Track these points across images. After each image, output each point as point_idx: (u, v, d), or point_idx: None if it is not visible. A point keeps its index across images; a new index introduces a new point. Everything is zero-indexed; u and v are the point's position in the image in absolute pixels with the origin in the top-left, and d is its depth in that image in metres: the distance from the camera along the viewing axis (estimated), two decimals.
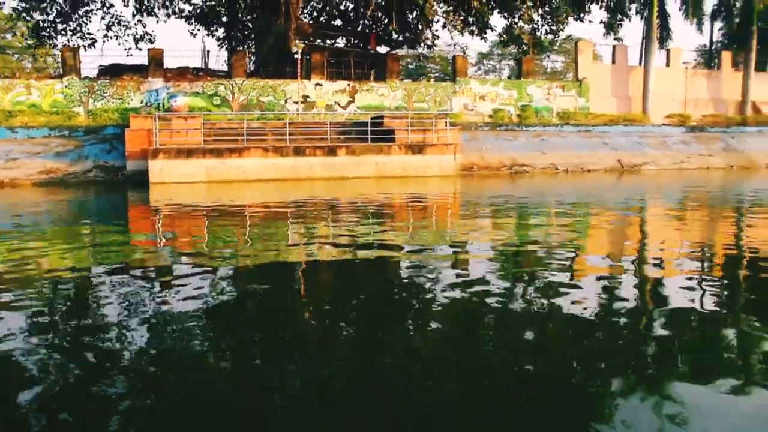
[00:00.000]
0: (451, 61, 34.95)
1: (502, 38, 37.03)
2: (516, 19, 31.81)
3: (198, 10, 33.20)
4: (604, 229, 10.88)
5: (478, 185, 20.19)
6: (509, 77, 38.94)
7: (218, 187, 19.32)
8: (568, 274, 6.80)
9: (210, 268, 7.09)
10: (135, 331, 4.68)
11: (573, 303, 5.42)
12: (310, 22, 33.51)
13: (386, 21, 32.74)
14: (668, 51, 35.63)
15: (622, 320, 5.03)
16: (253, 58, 34.18)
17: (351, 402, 3.57)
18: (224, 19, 33.76)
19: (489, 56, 70.17)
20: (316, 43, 30.58)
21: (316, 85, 29.17)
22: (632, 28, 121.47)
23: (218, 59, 55.13)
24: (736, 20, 37.21)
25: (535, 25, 36.28)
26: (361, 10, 30.16)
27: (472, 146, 25.37)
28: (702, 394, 3.58)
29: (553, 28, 36.26)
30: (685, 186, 20.12)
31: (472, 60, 72.49)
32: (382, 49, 34.05)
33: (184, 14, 33.31)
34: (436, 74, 55.10)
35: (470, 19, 32.39)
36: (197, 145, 21.41)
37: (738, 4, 36.74)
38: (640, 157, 27.12)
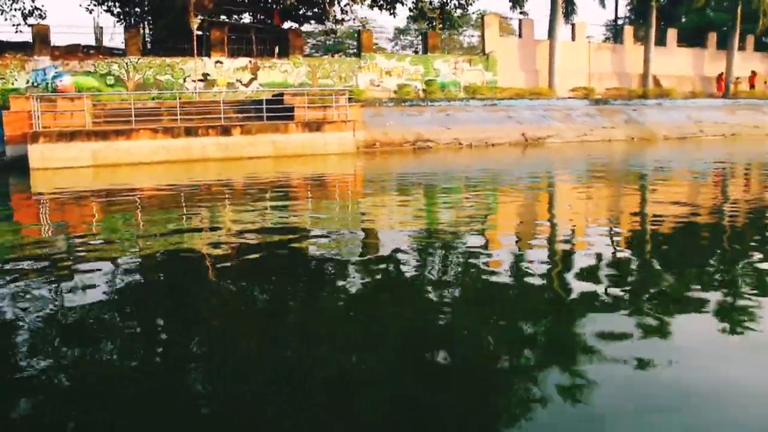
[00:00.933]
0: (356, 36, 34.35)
1: (412, 12, 36.71)
2: None
3: None
4: (509, 204, 10.64)
5: (378, 162, 19.80)
6: (415, 52, 38.63)
7: (106, 171, 18.29)
8: (480, 249, 6.82)
9: (95, 259, 6.61)
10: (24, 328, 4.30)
11: (487, 280, 5.54)
12: None
13: None
14: (573, 25, 35.95)
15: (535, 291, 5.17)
16: (151, 36, 32.77)
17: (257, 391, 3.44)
18: None
19: (406, 31, 69.90)
20: (218, 19, 29.44)
21: (216, 62, 28.05)
22: (542, 2, 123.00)
23: (114, 36, 52.01)
24: None
25: (444, 0, 36.11)
26: None
27: (376, 122, 24.93)
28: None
29: (462, 2, 36.16)
30: (582, 158, 20.25)
31: (389, 35, 72.12)
32: (290, 26, 33.19)
33: None
34: (354, 50, 54.40)
35: None
36: (81, 127, 20.20)
37: None
38: (544, 131, 27.25)
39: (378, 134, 24.37)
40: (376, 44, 60.74)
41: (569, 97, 31.27)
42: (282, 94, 23.24)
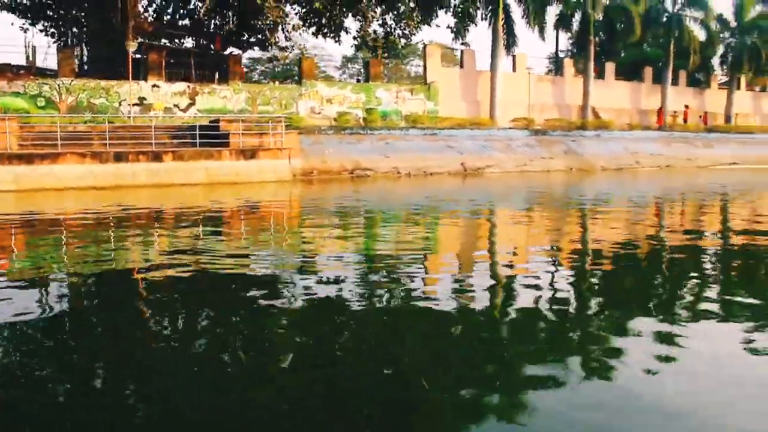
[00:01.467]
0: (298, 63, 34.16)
1: (356, 41, 36.72)
2: (366, 23, 31.46)
3: (24, 2, 30.59)
4: (442, 233, 10.41)
5: (311, 191, 19.48)
6: (358, 80, 38.61)
7: (29, 197, 17.53)
8: (419, 278, 6.79)
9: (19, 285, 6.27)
10: None
11: (425, 308, 5.48)
12: (152, 20, 31.74)
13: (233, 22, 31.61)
14: (514, 57, 36.49)
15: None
16: (87, 57, 31.99)
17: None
18: (50, 12, 31.28)
19: (354, 60, 70.14)
20: (155, 42, 28.90)
21: (153, 86, 27.48)
22: (484, 33, 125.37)
23: (48, 57, 50.47)
24: (577, 30, 38.75)
25: (389, 29, 36.22)
26: (199, 8, 28.71)
27: (315, 150, 24.69)
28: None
29: (406, 32, 36.33)
30: (519, 188, 20.32)
31: (337, 63, 72.26)
32: (230, 51, 32.81)
33: (11, 6, 30.57)
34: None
35: (324, 22, 31.84)
36: (4, 150, 19.40)
37: (576, 16, 38.21)
38: (484, 160, 27.39)
39: (316, 162, 24.11)
40: (324, 72, 60.88)
41: (510, 128, 31.59)
42: (218, 121, 22.81)
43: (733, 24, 45.16)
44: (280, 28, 29.16)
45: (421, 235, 10.39)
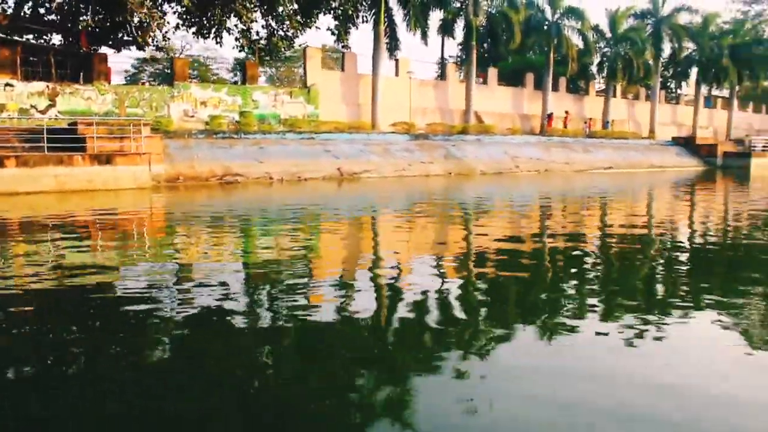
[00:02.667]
0: (169, 63, 32.67)
1: (237, 42, 35.59)
2: (242, 23, 30.37)
3: None
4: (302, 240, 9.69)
5: (178, 198, 18.38)
6: (234, 83, 37.44)
7: None
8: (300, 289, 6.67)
9: None
10: None
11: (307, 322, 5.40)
12: (6, 13, 29.44)
13: (103, 18, 29.79)
14: (397, 61, 36.38)
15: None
16: None
17: None
18: None
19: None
20: (8, 36, 26.79)
21: (6, 85, 25.45)
22: (369, 36, 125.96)
23: None
24: (464, 36, 39.10)
25: (271, 31, 35.28)
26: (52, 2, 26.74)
27: (183, 155, 23.53)
28: None
29: (289, 34, 35.49)
30: (390, 193, 19.94)
31: (229, 66, 70.42)
32: (108, 50, 30.93)
33: None
34: (195, 80, 52.01)
35: (204, 22, 30.51)
36: None
37: (460, 22, 38.56)
38: (362, 165, 26.97)
39: (183, 168, 22.95)
40: (217, 75, 58.96)
41: (390, 132, 31.34)
42: (77, 123, 21.26)
43: (609, 35, 46.98)
44: (155, 26, 27.59)
45: (265, 245, 9.70)
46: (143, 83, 37.20)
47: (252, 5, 29.50)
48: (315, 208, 15.82)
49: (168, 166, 22.33)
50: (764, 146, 47.61)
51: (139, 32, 30.85)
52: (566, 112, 44.10)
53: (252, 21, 29.61)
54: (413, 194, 20.29)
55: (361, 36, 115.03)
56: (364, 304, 5.99)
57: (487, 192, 21.51)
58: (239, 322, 5.42)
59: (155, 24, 25.83)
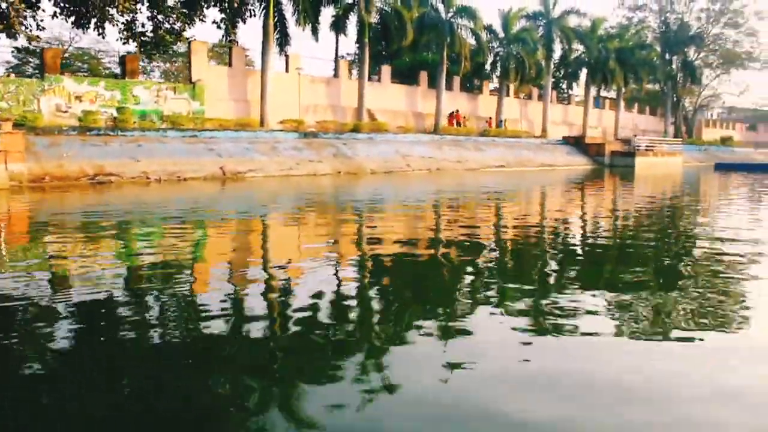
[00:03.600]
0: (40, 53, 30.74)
1: (122, 35, 33.97)
2: (118, 13, 28.87)
3: None
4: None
5: (34, 200, 17.12)
6: (115, 76, 35.75)
7: None
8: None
9: None
10: None
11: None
12: None
13: None
14: (287, 56, 35.65)
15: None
16: None
17: None
18: None
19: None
20: None
21: None
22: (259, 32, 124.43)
23: None
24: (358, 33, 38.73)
25: (157, 23, 33.86)
26: None
27: (51, 153, 22.09)
28: None
29: (176, 26, 34.15)
30: (270, 193, 19.33)
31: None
32: None
33: None
34: (83, 73, 49.16)
35: (85, 11, 28.78)
36: None
37: (352, 19, 38.24)
38: (246, 164, 26.18)
39: (51, 167, 21.54)
40: (109, 69, 56.12)
41: (279, 130, 30.64)
42: None
43: (502, 35, 47.85)
44: (15, 14, 25.74)
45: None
46: (9, 74, 34.82)
47: None
48: (183, 210, 15.02)
49: (33, 165, 20.92)
50: (647, 146, 49.83)
51: (5, 20, 28.95)
52: (457, 111, 44.65)
53: (130, 11, 28.20)
54: (285, 196, 19.76)
55: (255, 31, 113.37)
56: (248, 311, 5.80)
57: (363, 192, 21.22)
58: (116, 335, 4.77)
59: (14, 12, 24.11)
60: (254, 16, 32.72)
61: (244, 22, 32.75)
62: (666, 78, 70.77)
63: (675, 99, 74.61)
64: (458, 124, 43.58)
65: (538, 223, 13.39)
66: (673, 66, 73.24)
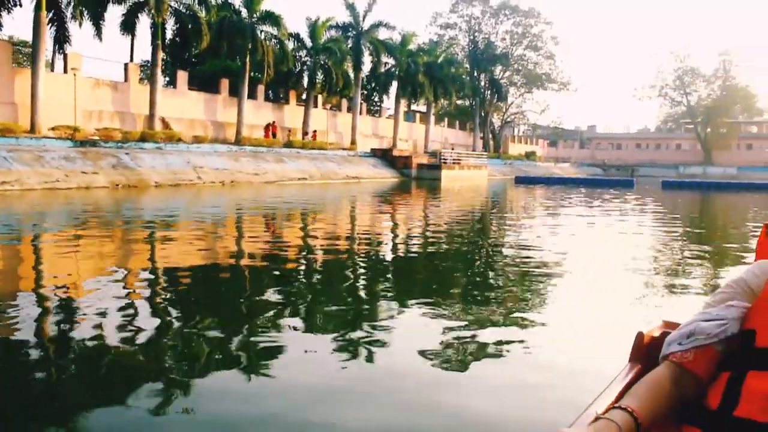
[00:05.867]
0: None
1: None
2: None
3: None
4: None
5: None
6: None
7: None
8: None
9: None
10: None
11: None
12: None
13: None
14: (66, 56, 32.24)
15: None
16: None
17: None
18: None
19: None
20: None
21: None
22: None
23: None
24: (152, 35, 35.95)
25: None
26: None
27: None
28: None
29: None
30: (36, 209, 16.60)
31: None
32: None
33: None
34: None
35: None
36: None
37: (145, 19, 35.52)
38: (1, 176, 22.88)
39: None
40: None
41: (50, 137, 27.36)
42: None
43: (310, 44, 46.97)
44: None
45: None
46: None
47: None
48: None
49: None
50: (455, 159, 51.17)
51: None
52: (273, 122, 43.34)
53: None
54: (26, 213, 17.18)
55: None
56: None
57: (128, 207, 19.04)
58: None
59: None
60: (19, 5, 29.21)
61: (9, 12, 29.08)
62: (475, 94, 73.85)
63: (483, 115, 77.98)
64: (274, 135, 42.09)
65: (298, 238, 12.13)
66: (482, 83, 76.60)
